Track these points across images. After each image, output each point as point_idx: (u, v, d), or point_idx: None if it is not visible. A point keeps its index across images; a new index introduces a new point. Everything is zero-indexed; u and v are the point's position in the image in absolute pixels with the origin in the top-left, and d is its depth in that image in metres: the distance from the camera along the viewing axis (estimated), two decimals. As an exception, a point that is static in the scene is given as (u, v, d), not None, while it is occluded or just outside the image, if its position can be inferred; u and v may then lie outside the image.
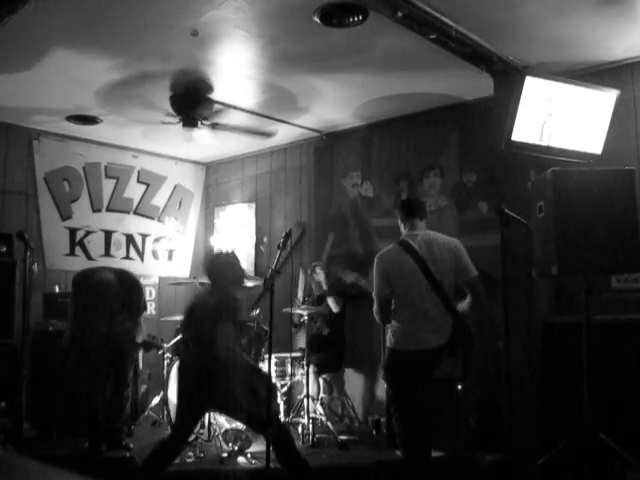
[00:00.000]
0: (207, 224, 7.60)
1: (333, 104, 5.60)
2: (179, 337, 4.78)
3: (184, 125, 5.35)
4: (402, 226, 4.04)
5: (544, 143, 4.29)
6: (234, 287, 4.02)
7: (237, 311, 3.93)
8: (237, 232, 7.26)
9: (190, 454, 4.46)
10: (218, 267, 4.01)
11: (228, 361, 3.69)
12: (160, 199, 7.23)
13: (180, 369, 4.02)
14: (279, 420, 4.09)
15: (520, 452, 4.03)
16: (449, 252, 3.84)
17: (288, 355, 5.28)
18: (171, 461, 3.83)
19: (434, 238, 3.92)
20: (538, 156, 4.33)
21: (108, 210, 6.74)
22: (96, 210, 6.67)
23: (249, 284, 5.37)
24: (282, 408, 5.28)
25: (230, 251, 4.15)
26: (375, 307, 3.89)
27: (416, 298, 3.74)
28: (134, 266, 6.48)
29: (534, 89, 4.16)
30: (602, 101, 4.30)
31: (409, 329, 3.76)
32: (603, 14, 3.83)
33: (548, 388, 4.20)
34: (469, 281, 3.84)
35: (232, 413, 3.90)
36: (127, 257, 6.87)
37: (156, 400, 5.59)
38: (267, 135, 6.21)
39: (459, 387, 4.62)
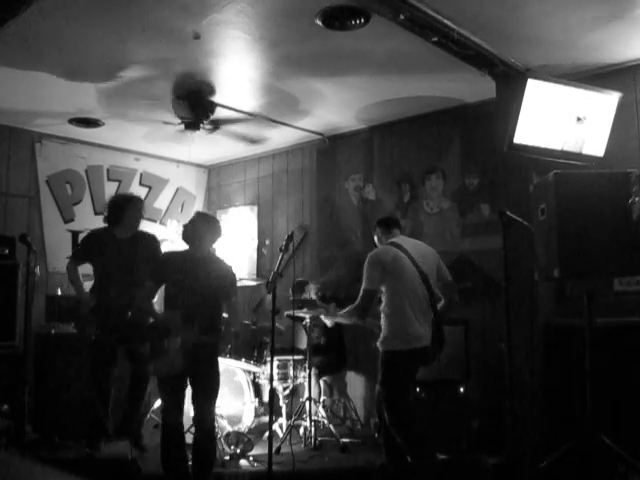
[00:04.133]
0: (209, 227, 7.59)
1: (335, 107, 5.61)
2: None
3: (186, 128, 5.36)
4: (382, 239, 4.10)
5: (546, 146, 4.29)
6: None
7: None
8: (239, 235, 7.26)
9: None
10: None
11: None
12: (162, 202, 7.23)
13: None
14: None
15: (523, 455, 4.03)
16: (433, 254, 4.03)
17: (290, 358, 5.27)
18: None
19: (418, 242, 4.18)
20: (540, 159, 4.34)
21: (110, 213, 6.73)
22: (98, 213, 6.64)
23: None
24: (284, 411, 5.28)
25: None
26: (358, 302, 3.87)
27: (412, 292, 3.78)
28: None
29: (536, 91, 4.16)
30: (604, 104, 4.30)
31: (406, 325, 3.74)
32: (606, 16, 3.83)
33: (551, 391, 4.19)
34: (447, 283, 3.99)
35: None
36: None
37: (158, 403, 5.57)
38: (260, 141, 6.22)
39: (461, 389, 4.62)
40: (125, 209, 4.68)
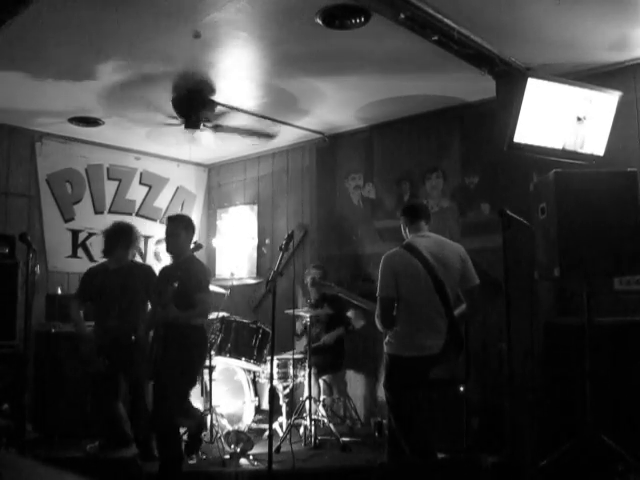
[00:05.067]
0: (209, 226, 7.60)
1: (335, 106, 5.60)
2: None
3: (186, 127, 5.35)
4: (407, 230, 3.97)
5: (546, 145, 4.29)
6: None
7: None
8: (239, 234, 7.26)
9: (192, 455, 4.46)
10: None
11: None
12: (162, 201, 7.23)
13: None
14: None
15: (522, 454, 4.03)
16: (458, 256, 3.83)
17: (290, 357, 5.27)
18: None
19: (443, 241, 3.93)
20: (540, 158, 4.33)
21: (110, 212, 6.73)
22: (98, 212, 6.67)
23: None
24: (284, 410, 5.28)
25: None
26: (378, 310, 3.75)
27: (420, 302, 3.67)
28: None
29: (536, 90, 4.16)
30: (604, 103, 4.29)
31: (411, 334, 3.67)
32: (606, 15, 3.83)
33: (550, 390, 4.19)
34: (470, 288, 3.82)
35: None
36: (129, 259, 6.87)
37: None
38: (269, 136, 6.21)
39: (461, 389, 4.61)
40: (117, 240, 4.81)
